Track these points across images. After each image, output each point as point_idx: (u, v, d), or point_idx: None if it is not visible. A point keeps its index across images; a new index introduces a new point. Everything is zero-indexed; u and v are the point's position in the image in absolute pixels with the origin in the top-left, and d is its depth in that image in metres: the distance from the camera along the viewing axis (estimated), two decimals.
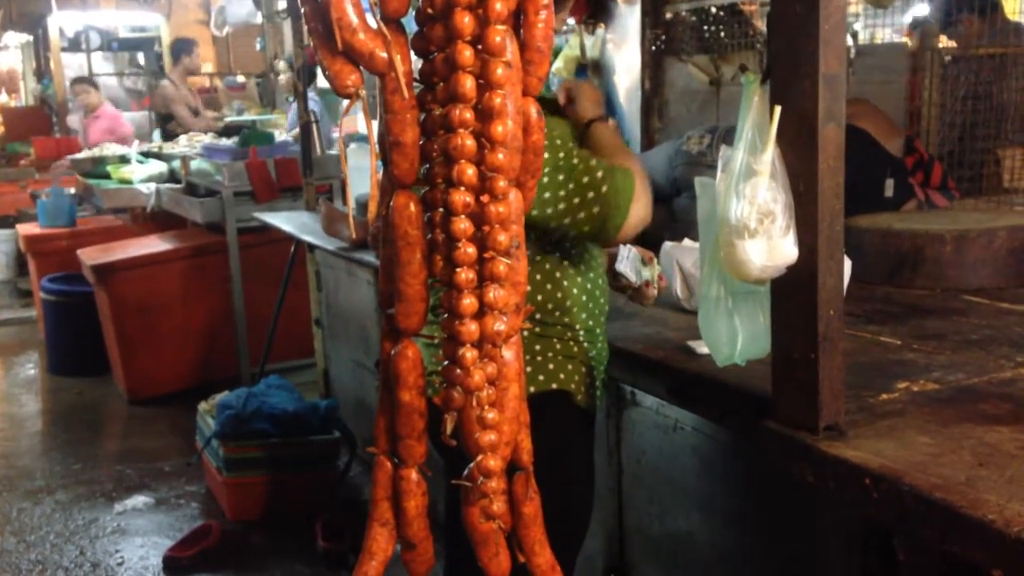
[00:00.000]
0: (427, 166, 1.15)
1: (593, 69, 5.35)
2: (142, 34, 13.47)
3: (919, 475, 1.25)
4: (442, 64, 1.09)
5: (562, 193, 1.68)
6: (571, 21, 5.48)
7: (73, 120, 11.42)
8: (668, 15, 4.55)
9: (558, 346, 1.79)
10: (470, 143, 1.08)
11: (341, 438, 3.78)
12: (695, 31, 4.55)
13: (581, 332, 1.84)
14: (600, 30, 5.22)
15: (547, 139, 1.67)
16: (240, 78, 12.18)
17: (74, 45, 12.82)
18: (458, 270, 1.11)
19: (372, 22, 1.08)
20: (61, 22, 12.13)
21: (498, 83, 1.07)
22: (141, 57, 14.20)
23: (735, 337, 1.47)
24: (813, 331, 1.35)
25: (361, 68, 1.10)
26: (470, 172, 1.09)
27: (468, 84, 1.06)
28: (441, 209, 1.12)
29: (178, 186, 5.80)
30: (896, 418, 1.46)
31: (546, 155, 1.64)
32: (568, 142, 1.73)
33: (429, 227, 1.16)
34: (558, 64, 5.44)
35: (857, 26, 4.38)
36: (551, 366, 1.78)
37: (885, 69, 3.86)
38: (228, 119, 7.10)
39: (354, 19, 1.06)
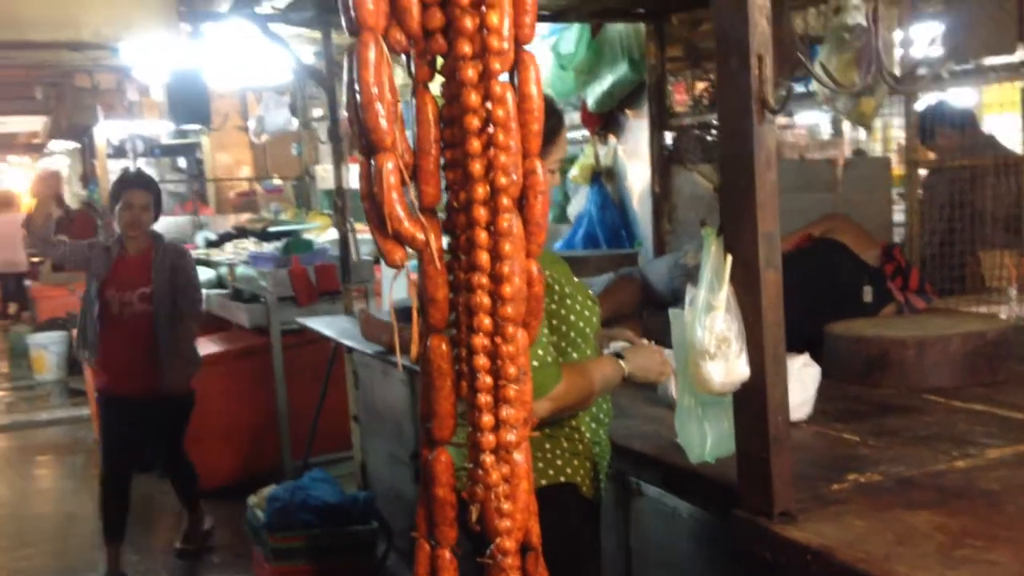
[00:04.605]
0: (454, 315, 1.52)
1: (607, 176, 5.76)
2: (183, 140, 14.15)
3: (848, 551, 1.56)
4: (465, 242, 1.46)
5: None
6: (585, 132, 5.93)
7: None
8: (674, 127, 4.95)
9: (565, 444, 2.13)
10: (486, 300, 1.45)
11: (379, 528, 4.08)
12: (699, 142, 4.95)
13: (586, 433, 2.18)
14: (612, 140, 5.64)
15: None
16: (277, 181, 12.79)
17: (119, 152, 13.48)
18: (479, 395, 1.47)
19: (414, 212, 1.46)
20: (107, 131, 12.82)
21: (507, 256, 1.44)
22: (182, 161, 14.93)
23: (704, 439, 1.80)
24: (765, 434, 1.69)
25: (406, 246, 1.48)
26: (487, 322, 1.45)
27: (484, 258, 1.44)
28: (465, 348, 1.49)
29: (225, 291, 6.25)
30: (841, 505, 1.78)
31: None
32: (564, 294, 2.10)
33: (456, 361, 1.52)
34: (574, 172, 5.87)
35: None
36: (559, 462, 2.11)
37: (870, 180, 4.24)
38: (273, 229, 7.59)
39: (400, 212, 1.43)
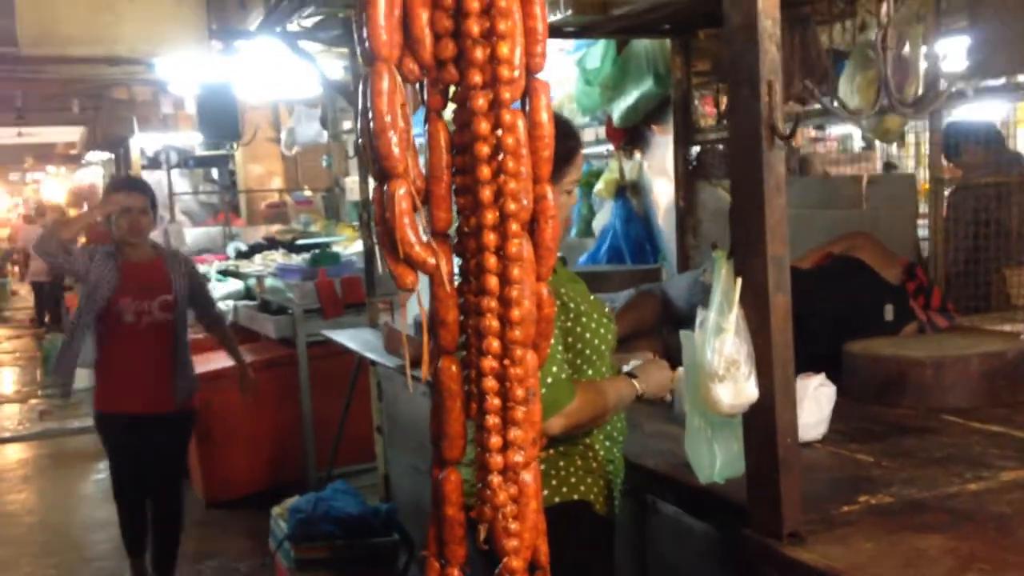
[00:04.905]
0: (465, 337, 1.55)
1: (631, 190, 5.77)
2: (216, 152, 14.33)
3: (856, 574, 1.57)
4: (475, 266, 1.49)
5: None
6: (611, 146, 5.95)
7: (155, 234, 12.17)
8: (699, 141, 4.95)
9: (579, 462, 2.15)
10: (495, 323, 1.48)
11: (400, 540, 4.12)
12: (723, 157, 4.95)
13: (600, 450, 2.20)
14: (637, 155, 5.65)
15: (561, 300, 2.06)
16: (307, 192, 12.93)
17: (153, 163, 13.70)
18: (487, 416, 1.50)
19: (425, 236, 1.49)
20: (142, 142, 13.02)
21: (516, 280, 1.47)
22: (215, 172, 15.12)
23: (714, 460, 1.82)
24: (774, 456, 1.70)
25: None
26: (495, 344, 1.48)
27: (493, 282, 1.47)
28: (475, 370, 1.51)
29: (253, 303, 6.33)
30: (850, 527, 1.79)
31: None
32: (580, 313, 2.12)
33: (466, 382, 1.55)
34: (599, 186, 5.89)
35: None
36: (573, 479, 2.13)
37: (895, 197, 4.22)
38: (301, 242, 7.69)
39: (412, 237, 1.47)
